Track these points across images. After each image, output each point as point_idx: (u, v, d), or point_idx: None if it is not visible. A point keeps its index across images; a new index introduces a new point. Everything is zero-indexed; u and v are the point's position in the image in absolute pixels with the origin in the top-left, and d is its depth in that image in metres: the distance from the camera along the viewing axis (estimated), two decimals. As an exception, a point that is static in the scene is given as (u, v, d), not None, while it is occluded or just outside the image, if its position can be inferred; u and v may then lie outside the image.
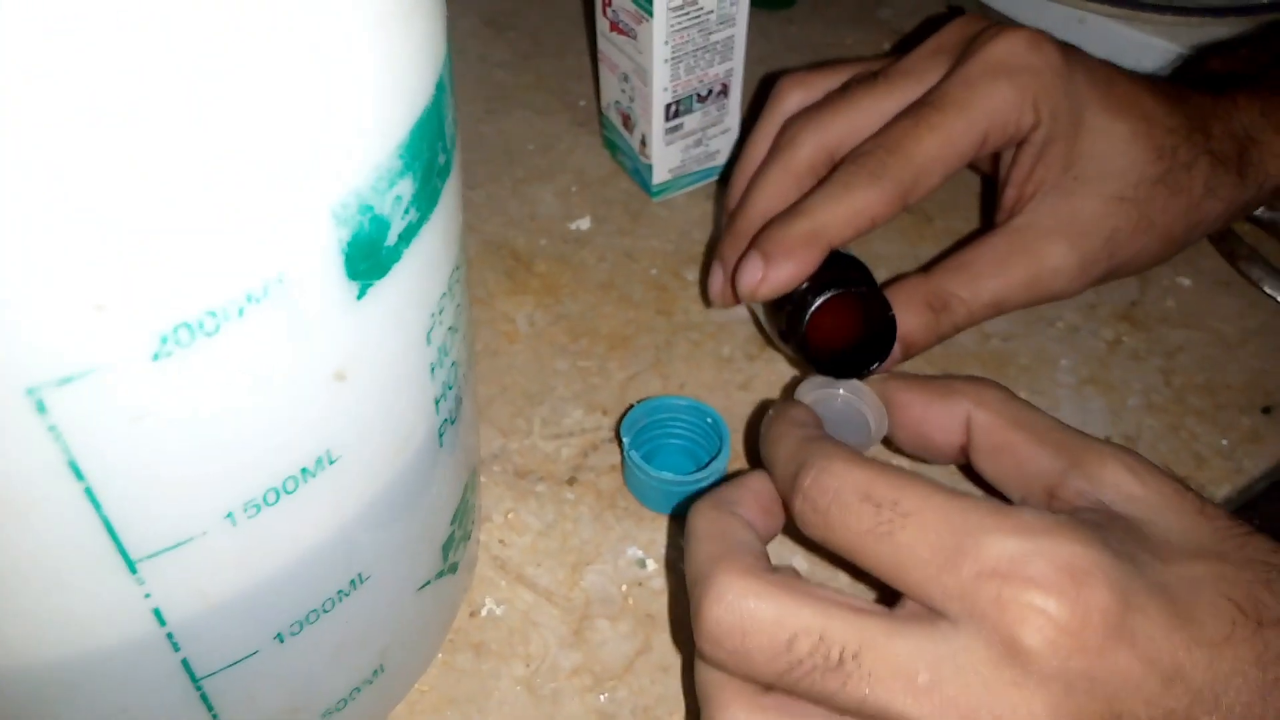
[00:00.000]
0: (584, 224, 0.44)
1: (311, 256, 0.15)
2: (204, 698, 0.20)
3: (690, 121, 0.43)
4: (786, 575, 0.23)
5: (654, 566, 0.33)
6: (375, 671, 0.24)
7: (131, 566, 0.16)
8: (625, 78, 0.42)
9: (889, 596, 0.23)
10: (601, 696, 0.30)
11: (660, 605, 0.32)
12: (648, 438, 0.34)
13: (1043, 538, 0.21)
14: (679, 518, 0.33)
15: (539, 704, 0.29)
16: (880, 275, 0.39)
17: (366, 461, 0.19)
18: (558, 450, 0.36)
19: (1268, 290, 0.43)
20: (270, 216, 0.15)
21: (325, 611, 0.21)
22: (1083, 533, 0.22)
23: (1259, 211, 0.46)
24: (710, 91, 0.42)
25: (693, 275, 0.42)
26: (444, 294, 0.20)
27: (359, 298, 0.17)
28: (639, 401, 0.34)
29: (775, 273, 0.32)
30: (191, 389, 0.15)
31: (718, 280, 0.36)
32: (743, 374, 0.38)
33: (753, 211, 0.35)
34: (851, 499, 0.23)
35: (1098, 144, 0.35)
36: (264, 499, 0.17)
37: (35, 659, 0.17)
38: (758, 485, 0.27)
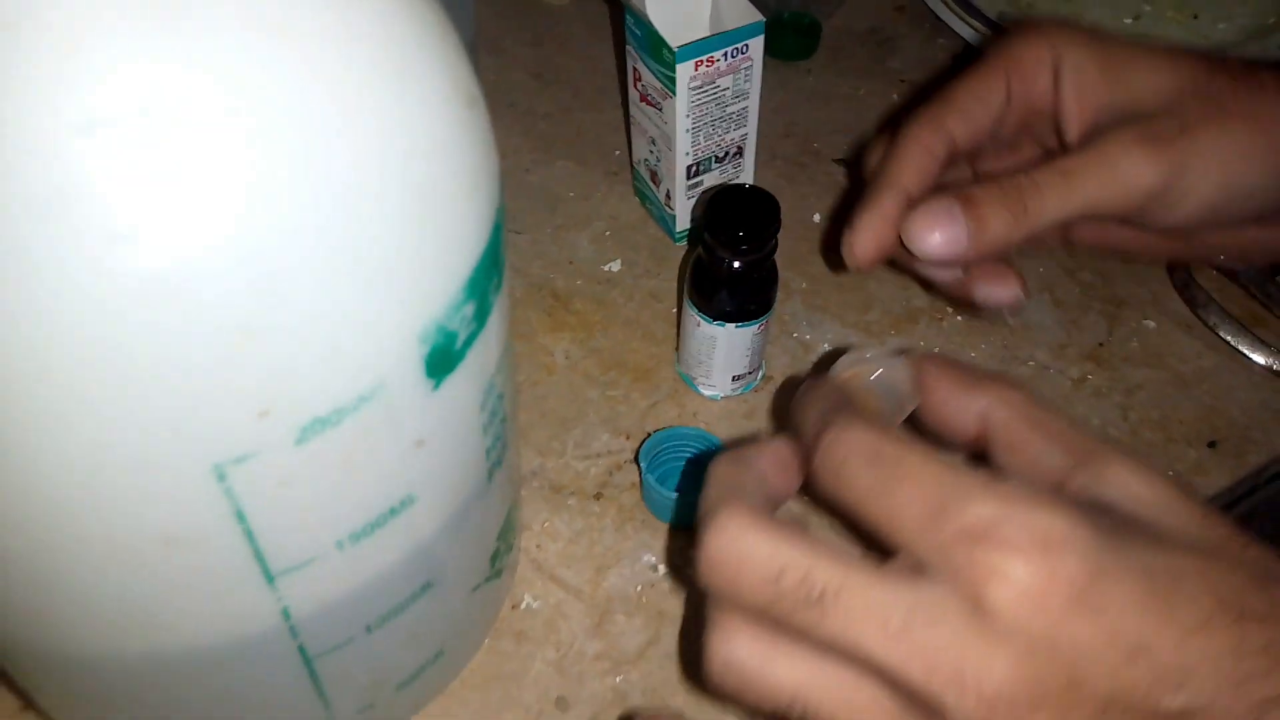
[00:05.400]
0: (615, 266, 0.50)
1: (403, 367, 0.22)
2: (312, 673, 0.27)
3: (709, 179, 0.49)
4: (788, 523, 0.25)
5: (665, 571, 0.39)
6: (437, 655, 0.31)
7: (271, 580, 0.23)
8: (653, 141, 0.48)
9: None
10: (618, 678, 0.36)
11: (669, 604, 0.38)
12: (662, 461, 0.40)
13: (1022, 506, 0.23)
14: (687, 530, 0.40)
15: (566, 683, 0.36)
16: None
17: (435, 501, 0.26)
18: (587, 469, 0.42)
19: (1222, 334, 0.48)
20: (376, 344, 0.21)
21: (401, 610, 0.27)
22: (1065, 507, 0.23)
23: (1222, 259, 0.51)
24: (727, 153, 0.48)
25: (709, 314, 0.48)
26: (494, 373, 0.27)
27: (435, 389, 0.23)
28: (655, 430, 0.41)
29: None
30: (320, 461, 0.21)
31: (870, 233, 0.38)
32: (747, 404, 0.44)
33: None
34: (862, 458, 0.25)
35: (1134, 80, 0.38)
36: (363, 531, 0.24)
37: (198, 644, 0.24)
38: (777, 445, 0.29)
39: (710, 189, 0.48)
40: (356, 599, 0.26)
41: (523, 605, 0.38)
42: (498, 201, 0.25)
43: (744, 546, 0.24)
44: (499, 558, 0.32)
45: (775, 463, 0.28)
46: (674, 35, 0.44)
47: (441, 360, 0.23)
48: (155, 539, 0.21)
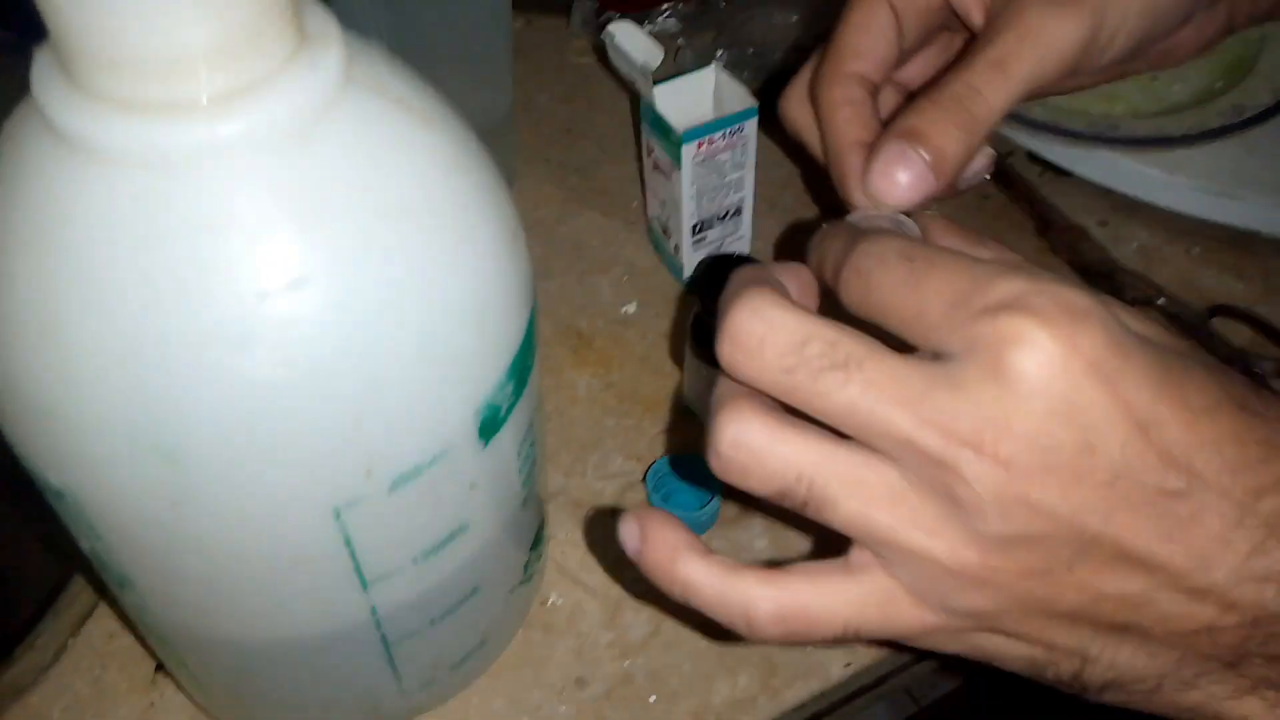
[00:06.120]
0: (631, 309, 0.58)
1: (463, 434, 0.30)
2: (389, 655, 0.35)
3: (712, 234, 0.56)
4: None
5: (667, 574, 0.47)
6: (482, 643, 0.39)
7: (365, 587, 0.31)
8: (663, 202, 0.56)
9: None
10: (626, 663, 0.44)
11: (669, 602, 0.46)
12: (665, 483, 0.48)
13: (1049, 283, 0.23)
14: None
15: (585, 666, 0.44)
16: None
17: (482, 526, 0.34)
18: (604, 488, 0.50)
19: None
20: (444, 421, 0.29)
21: (456, 608, 0.36)
22: (1088, 290, 0.23)
23: (1162, 302, 0.58)
24: (727, 213, 0.56)
25: (711, 352, 0.56)
26: (529, 427, 0.35)
27: (485, 447, 0.31)
28: (660, 457, 0.49)
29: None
30: (404, 502, 0.30)
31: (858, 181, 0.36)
32: (741, 433, 0.52)
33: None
34: (893, 257, 0.25)
35: None
36: (430, 550, 0.32)
37: (309, 631, 0.33)
38: (796, 266, 0.29)
39: (705, 258, 0.56)
40: (424, 600, 0.34)
41: (549, 602, 0.46)
42: (531, 303, 0.33)
43: (771, 317, 0.24)
44: (530, 565, 0.41)
45: (795, 279, 0.28)
46: (680, 116, 0.52)
47: (490, 426, 0.31)
48: (289, 559, 0.29)
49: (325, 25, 0.27)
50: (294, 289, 0.25)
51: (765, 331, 0.24)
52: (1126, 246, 0.61)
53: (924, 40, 0.40)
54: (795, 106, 0.42)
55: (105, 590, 0.44)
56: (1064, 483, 0.22)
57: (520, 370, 0.32)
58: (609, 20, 0.72)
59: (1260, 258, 0.59)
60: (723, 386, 0.26)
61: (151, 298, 0.24)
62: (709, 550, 0.27)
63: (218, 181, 0.24)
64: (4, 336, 0.25)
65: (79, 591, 0.45)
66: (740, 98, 0.52)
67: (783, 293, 0.26)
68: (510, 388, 0.32)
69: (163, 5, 0.22)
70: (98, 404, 0.25)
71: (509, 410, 0.32)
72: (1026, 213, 0.62)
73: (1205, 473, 0.22)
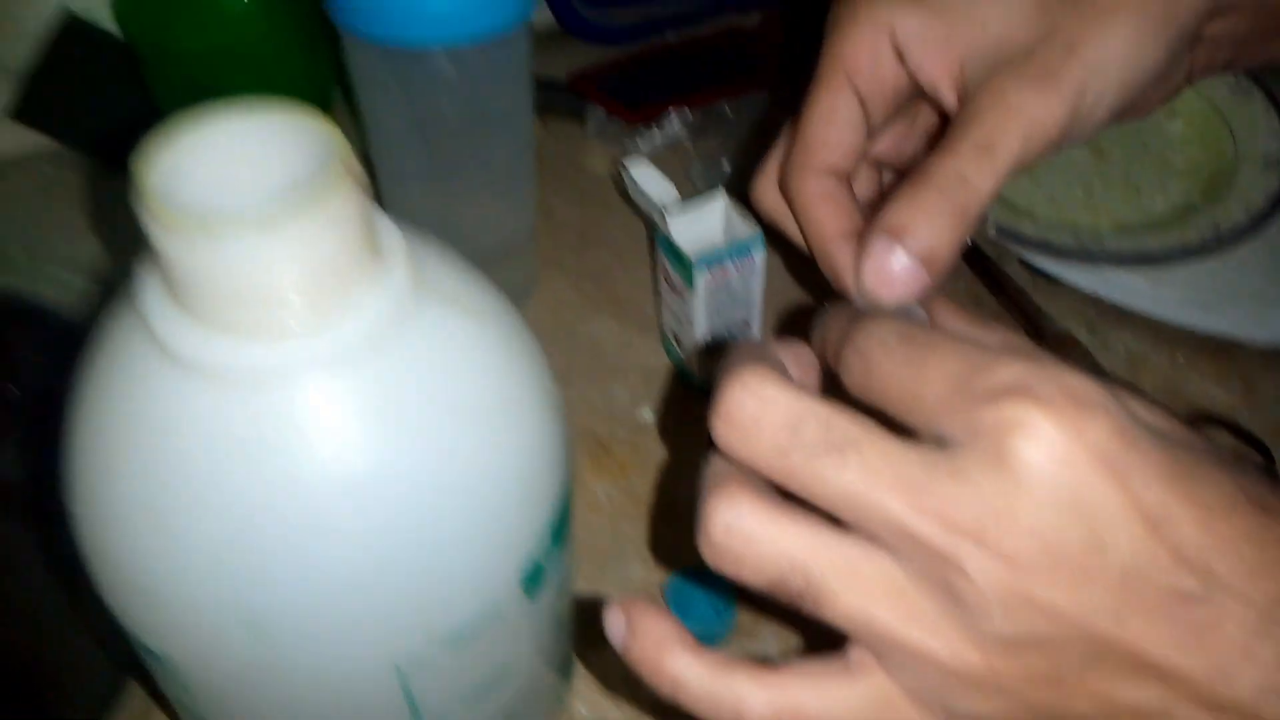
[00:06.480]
0: (647, 414, 0.61)
1: (511, 591, 0.33)
2: (436, 780, 0.38)
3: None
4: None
5: (685, 682, 0.50)
6: (517, 760, 0.42)
7: (420, 727, 0.35)
8: (675, 315, 0.60)
9: None
10: (650, 771, 0.47)
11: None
12: (682, 595, 0.51)
13: (1053, 368, 0.22)
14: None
15: (609, 773, 0.47)
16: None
17: (525, 662, 0.37)
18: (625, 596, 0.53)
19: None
20: (496, 582, 0.32)
21: (497, 735, 0.39)
22: (1093, 378, 0.22)
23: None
24: (737, 325, 0.60)
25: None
26: (565, 573, 0.38)
27: (529, 599, 0.35)
28: (678, 569, 0.52)
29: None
30: (458, 654, 0.33)
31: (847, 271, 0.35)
32: (753, 541, 0.55)
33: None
34: (892, 340, 0.24)
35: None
36: (478, 692, 0.35)
37: (367, 765, 0.36)
38: (797, 345, 0.28)
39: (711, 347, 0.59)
40: (470, 732, 0.37)
41: (575, 713, 0.49)
42: (567, 462, 0.36)
43: (767, 395, 0.24)
44: (562, 690, 0.44)
45: (796, 358, 0.28)
46: (693, 239, 0.55)
47: (533, 580, 0.34)
48: (355, 709, 0.32)
49: (393, 238, 0.30)
50: (368, 482, 0.28)
51: (759, 409, 0.24)
52: (1114, 353, 0.65)
53: (892, 118, 0.39)
54: (768, 194, 0.41)
55: (162, 699, 0.47)
56: (1072, 582, 0.22)
57: (559, 527, 0.35)
58: (618, 127, 0.76)
59: (1242, 366, 0.63)
60: (715, 466, 0.26)
61: (244, 494, 0.28)
62: (700, 645, 0.27)
63: (305, 394, 0.28)
64: (113, 527, 0.29)
65: (132, 697, 0.48)
66: (746, 226, 0.56)
67: (781, 370, 0.25)
68: (551, 543, 0.35)
69: (266, 257, 0.26)
70: (195, 586, 0.28)
71: (551, 563, 0.35)
72: (1019, 320, 0.66)
73: (1223, 575, 0.21)
